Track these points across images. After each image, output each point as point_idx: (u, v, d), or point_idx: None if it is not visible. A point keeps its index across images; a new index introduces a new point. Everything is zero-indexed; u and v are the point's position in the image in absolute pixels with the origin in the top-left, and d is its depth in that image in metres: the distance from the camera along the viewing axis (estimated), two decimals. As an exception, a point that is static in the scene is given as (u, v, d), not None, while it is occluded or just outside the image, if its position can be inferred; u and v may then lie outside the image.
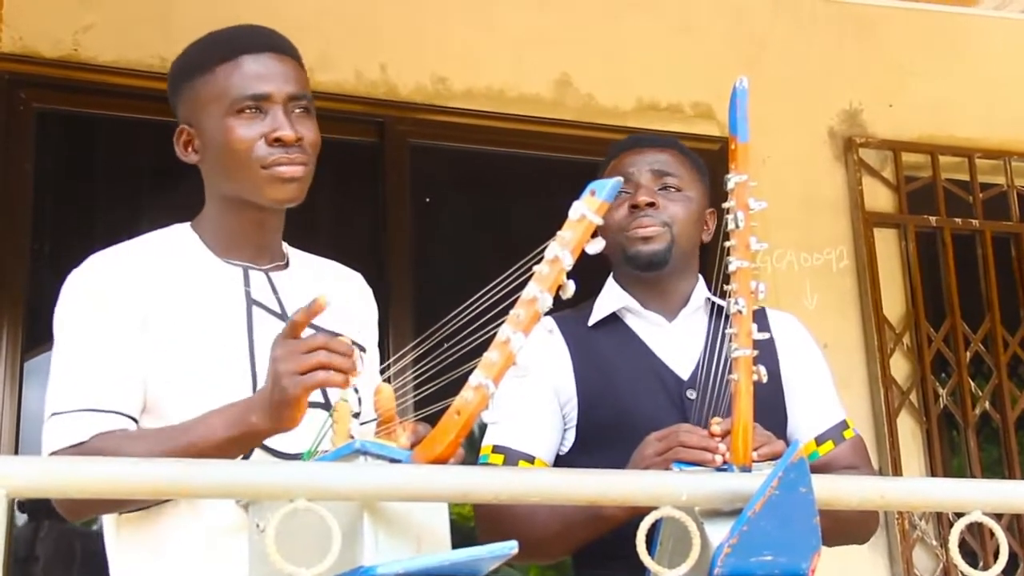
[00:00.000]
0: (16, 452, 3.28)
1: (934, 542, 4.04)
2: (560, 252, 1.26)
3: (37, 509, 3.42)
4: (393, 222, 3.86)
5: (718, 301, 2.14)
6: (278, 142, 1.81)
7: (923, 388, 4.20)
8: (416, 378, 1.51)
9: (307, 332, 1.86)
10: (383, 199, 3.88)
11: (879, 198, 4.38)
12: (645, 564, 1.22)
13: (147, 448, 1.66)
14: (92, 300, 1.79)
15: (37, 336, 3.35)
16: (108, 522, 1.83)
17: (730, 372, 1.60)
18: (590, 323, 2.20)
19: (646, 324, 2.20)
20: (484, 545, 1.28)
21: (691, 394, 2.10)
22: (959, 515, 1.33)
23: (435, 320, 1.49)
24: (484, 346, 1.29)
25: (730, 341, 1.58)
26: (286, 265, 1.95)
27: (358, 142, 3.86)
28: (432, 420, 1.39)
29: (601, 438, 2.09)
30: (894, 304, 4.27)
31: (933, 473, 4.10)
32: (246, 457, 1.67)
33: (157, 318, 1.78)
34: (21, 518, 3.48)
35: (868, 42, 4.52)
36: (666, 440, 1.89)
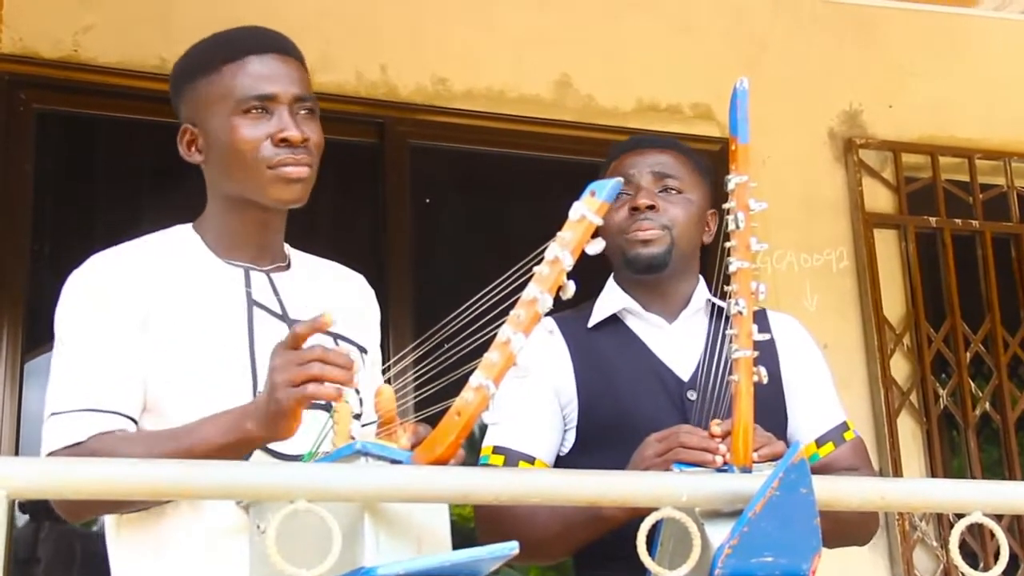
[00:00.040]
0: (16, 453, 3.29)
1: (934, 543, 4.04)
2: (560, 253, 1.26)
3: (38, 510, 3.42)
4: (393, 223, 3.86)
5: (718, 302, 2.14)
6: (284, 142, 1.82)
7: (923, 389, 4.20)
8: (416, 379, 1.51)
9: (314, 336, 1.87)
10: (383, 200, 3.88)
11: (879, 199, 4.38)
12: (646, 565, 1.22)
13: (143, 450, 1.66)
14: (92, 300, 1.79)
15: (37, 337, 3.35)
16: (109, 523, 1.84)
17: (730, 373, 1.60)
18: (590, 324, 2.20)
19: (646, 325, 2.19)
20: (485, 546, 1.28)
21: (691, 395, 2.10)
22: (959, 516, 1.33)
23: (435, 321, 1.49)
24: (484, 347, 1.29)
25: (730, 342, 1.58)
26: (287, 266, 1.95)
27: (358, 143, 3.86)
28: (433, 421, 1.39)
29: (601, 439, 2.09)
30: (894, 305, 4.27)
31: (933, 474, 4.10)
32: (246, 458, 1.67)
33: (158, 318, 1.79)
34: (22, 519, 3.48)
35: (868, 43, 4.52)
36: (666, 441, 1.89)
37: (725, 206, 1.59)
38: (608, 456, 1.91)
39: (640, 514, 1.24)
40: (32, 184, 3.50)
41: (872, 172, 4.39)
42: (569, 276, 1.27)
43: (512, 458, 2.09)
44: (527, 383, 2.09)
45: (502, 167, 4.13)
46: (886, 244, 4.33)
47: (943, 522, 4.03)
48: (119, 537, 1.81)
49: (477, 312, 1.35)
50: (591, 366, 2.15)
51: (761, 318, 2.07)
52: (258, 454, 1.71)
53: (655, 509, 1.23)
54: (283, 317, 1.86)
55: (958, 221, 4.41)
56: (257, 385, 1.77)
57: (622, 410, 2.10)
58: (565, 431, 2.15)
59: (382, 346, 2.07)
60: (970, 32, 4.63)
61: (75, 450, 1.70)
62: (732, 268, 1.57)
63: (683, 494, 1.25)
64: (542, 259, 1.27)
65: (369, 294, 2.06)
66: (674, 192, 2.20)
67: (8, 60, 3.50)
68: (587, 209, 1.27)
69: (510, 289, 1.29)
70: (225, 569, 1.67)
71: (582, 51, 4.15)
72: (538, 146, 4.09)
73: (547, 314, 1.27)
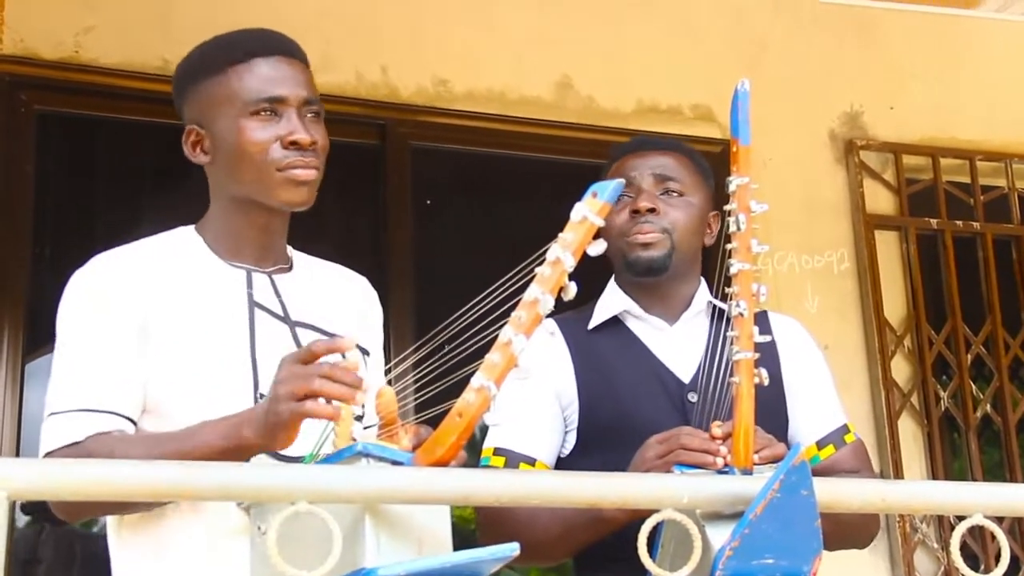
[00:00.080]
0: (17, 454, 3.29)
1: (935, 545, 4.04)
2: (562, 254, 1.26)
3: (39, 511, 3.41)
4: (394, 224, 3.86)
5: (720, 304, 2.14)
6: (294, 145, 1.82)
7: (924, 390, 4.20)
8: (418, 381, 1.51)
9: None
10: (384, 201, 3.88)
11: (880, 200, 4.38)
12: (646, 567, 1.22)
13: (142, 452, 1.66)
14: (94, 301, 1.80)
15: (38, 338, 3.35)
16: (111, 524, 1.84)
17: (731, 375, 1.59)
18: (591, 326, 2.20)
19: (647, 327, 2.19)
20: (485, 547, 1.28)
21: (692, 397, 2.10)
22: (960, 518, 1.33)
23: (436, 322, 1.49)
24: (486, 348, 1.29)
25: (731, 344, 1.57)
26: (290, 268, 1.95)
27: (359, 144, 3.87)
28: (434, 422, 1.38)
29: (602, 441, 2.09)
30: (895, 306, 4.27)
31: (934, 476, 4.10)
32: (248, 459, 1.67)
33: (159, 320, 1.79)
34: (23, 520, 3.48)
35: (869, 44, 4.52)
36: (667, 443, 1.89)
37: (726, 208, 1.58)
38: (609, 458, 1.91)
39: (641, 516, 1.24)
40: (33, 185, 3.50)
41: (873, 174, 4.39)
42: (571, 277, 1.27)
43: (513, 460, 2.09)
44: (528, 385, 2.09)
45: (503, 168, 4.13)
46: (887, 246, 4.33)
47: (944, 524, 4.03)
48: (120, 538, 1.81)
49: (478, 313, 1.35)
50: (592, 368, 2.15)
51: (762, 320, 2.07)
52: (259, 455, 1.71)
53: (656, 511, 1.23)
54: (285, 319, 1.86)
55: (959, 223, 4.41)
56: (258, 386, 1.77)
57: (623, 412, 2.09)
58: (566, 433, 2.15)
59: (383, 347, 2.06)
60: (971, 34, 4.63)
61: (73, 450, 1.70)
62: (733, 270, 1.57)
63: (684, 496, 1.25)
64: (544, 260, 1.27)
65: (372, 296, 2.06)
66: (675, 195, 2.19)
67: (9, 61, 3.50)
68: (589, 210, 1.27)
69: (511, 290, 1.29)
70: (226, 570, 1.67)
71: (583, 52, 4.16)
72: (539, 147, 4.09)
73: (548, 315, 1.27)
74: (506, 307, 1.29)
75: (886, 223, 4.35)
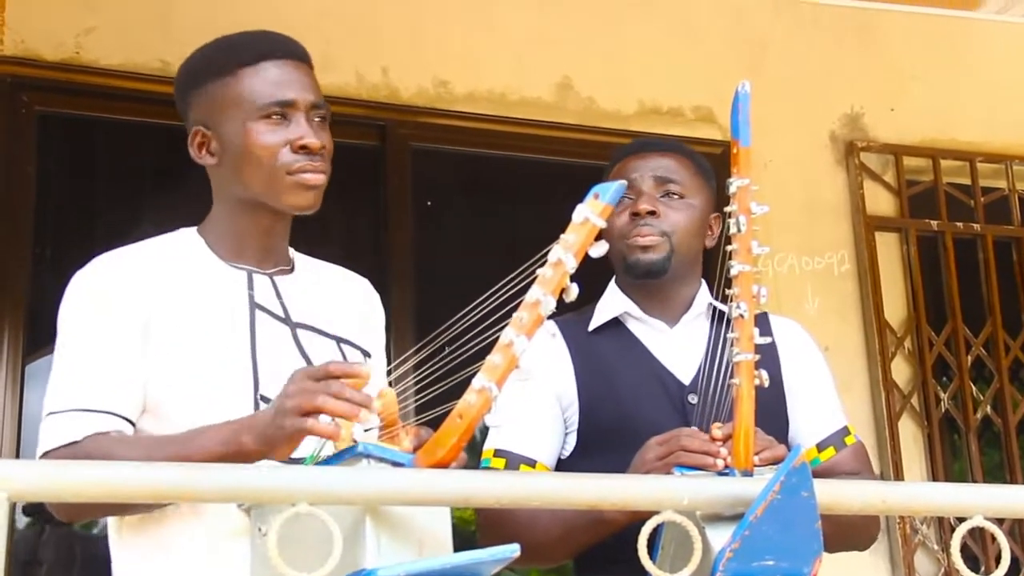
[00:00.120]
0: (17, 455, 3.28)
1: (936, 547, 4.04)
2: (563, 255, 1.26)
3: (40, 512, 3.41)
4: (394, 225, 3.86)
5: (720, 306, 2.14)
6: (304, 149, 1.83)
7: (924, 392, 4.20)
8: (418, 382, 1.51)
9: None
10: (384, 202, 3.88)
11: (880, 202, 4.38)
12: (647, 568, 1.22)
13: (140, 454, 1.66)
14: (95, 302, 1.80)
15: (38, 339, 3.35)
16: (112, 525, 1.84)
17: (731, 377, 1.59)
18: (591, 328, 2.20)
19: (648, 329, 2.19)
20: (486, 548, 1.28)
21: (692, 399, 2.10)
22: (961, 520, 1.33)
23: (436, 323, 1.49)
24: (487, 350, 1.29)
25: (731, 346, 1.57)
26: (291, 270, 1.95)
27: (360, 145, 3.86)
28: (435, 424, 1.38)
29: (602, 442, 2.09)
30: (895, 308, 4.27)
31: (934, 477, 4.09)
32: (249, 460, 1.67)
33: (160, 321, 1.79)
34: (23, 521, 3.48)
35: (869, 46, 4.52)
36: (667, 444, 1.89)
37: (726, 209, 1.59)
38: (609, 459, 1.90)
39: (641, 517, 1.24)
40: (34, 186, 3.50)
41: (873, 175, 4.39)
42: (572, 278, 1.27)
43: (513, 461, 2.09)
44: (529, 386, 2.09)
45: (503, 170, 4.13)
46: (887, 247, 4.33)
47: (944, 526, 4.03)
48: (121, 539, 1.82)
49: (479, 315, 1.35)
50: (592, 370, 2.15)
51: (763, 322, 2.07)
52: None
53: (656, 512, 1.23)
54: (286, 320, 1.86)
55: (959, 224, 4.41)
56: (259, 387, 1.77)
57: (623, 414, 2.09)
58: (566, 434, 2.15)
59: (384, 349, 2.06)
60: (972, 35, 4.63)
61: (70, 450, 1.70)
62: (733, 271, 1.57)
63: (684, 497, 1.25)
64: (545, 261, 1.27)
65: (374, 298, 2.06)
66: (676, 197, 2.19)
67: (10, 62, 3.50)
68: (590, 211, 1.27)
69: (513, 292, 1.29)
70: (227, 572, 1.67)
71: (583, 54, 4.16)
72: (539, 149, 4.09)
73: (548, 317, 1.27)
74: (507, 308, 1.29)
75: (886, 225, 4.35)
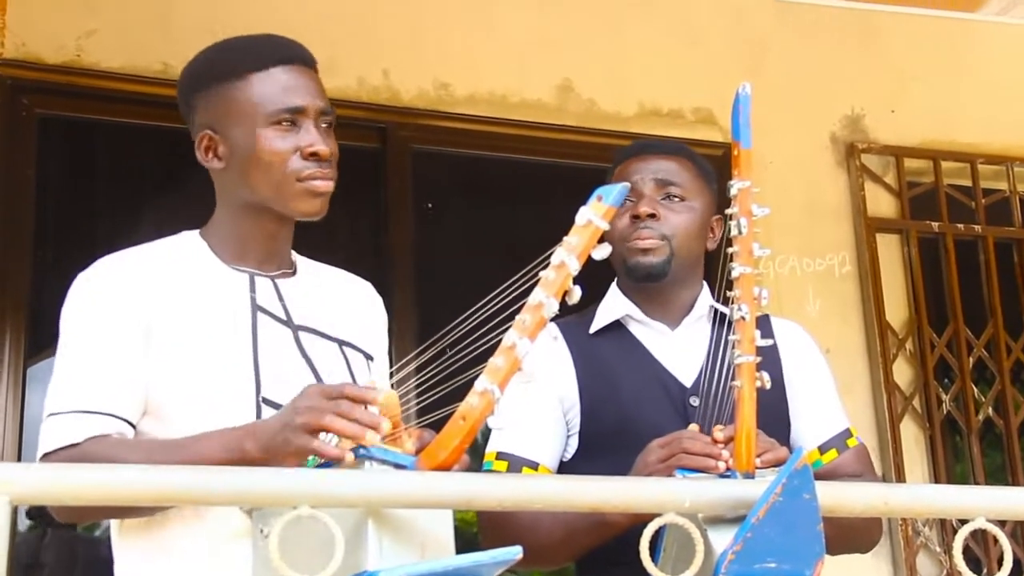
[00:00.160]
0: (19, 458, 3.28)
1: (938, 548, 4.03)
2: (567, 257, 1.26)
3: (43, 515, 3.41)
4: (395, 227, 3.86)
5: (721, 308, 2.14)
6: (314, 156, 1.83)
7: (926, 394, 4.20)
8: (421, 384, 1.51)
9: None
10: (385, 204, 3.88)
11: (881, 203, 4.38)
12: (649, 571, 1.22)
13: (141, 457, 1.66)
14: (97, 304, 1.80)
15: (40, 342, 3.35)
16: (114, 528, 1.84)
17: (733, 379, 1.60)
18: (592, 330, 2.19)
19: (649, 331, 2.19)
20: (488, 550, 1.28)
21: (694, 401, 2.09)
22: (963, 522, 1.33)
23: (438, 326, 1.49)
24: (489, 352, 1.29)
25: (733, 348, 1.58)
26: (293, 272, 1.95)
27: (360, 147, 3.86)
28: (437, 426, 1.38)
29: (604, 445, 2.09)
30: (897, 310, 4.27)
31: (936, 479, 4.09)
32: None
33: (162, 324, 1.79)
34: (25, 524, 3.48)
35: (870, 47, 4.52)
36: (669, 447, 1.89)
37: (728, 211, 1.59)
38: (611, 462, 1.90)
39: (643, 520, 1.24)
40: (34, 189, 3.50)
41: (874, 177, 4.39)
42: (573, 280, 1.27)
43: (515, 464, 2.09)
44: (531, 389, 2.09)
45: (504, 172, 4.13)
46: (888, 249, 4.33)
47: (946, 528, 4.03)
48: (123, 542, 1.81)
49: (482, 317, 1.35)
50: (594, 372, 2.15)
51: (764, 324, 2.07)
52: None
53: (658, 515, 1.23)
54: (287, 322, 1.86)
55: (960, 226, 4.41)
56: (260, 389, 1.77)
57: (625, 416, 2.09)
58: (568, 437, 2.15)
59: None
60: (973, 36, 4.63)
61: (71, 452, 1.70)
62: (735, 273, 1.57)
63: (686, 500, 1.25)
64: (548, 264, 1.27)
65: (376, 301, 2.06)
66: (677, 200, 2.19)
67: (11, 65, 3.50)
68: (594, 214, 1.27)
69: (515, 294, 1.29)
70: (228, 574, 1.67)
71: (584, 56, 4.16)
72: (540, 151, 4.09)
73: (551, 319, 1.27)
74: (510, 311, 1.29)
75: (887, 226, 4.35)
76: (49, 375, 1.81)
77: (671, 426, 1.98)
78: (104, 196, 3.82)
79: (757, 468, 1.70)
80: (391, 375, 1.99)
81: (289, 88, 1.84)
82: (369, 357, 1.95)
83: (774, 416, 2.06)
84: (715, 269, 1.81)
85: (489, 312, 1.34)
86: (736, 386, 1.61)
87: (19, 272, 3.42)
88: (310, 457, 1.50)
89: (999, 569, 1.30)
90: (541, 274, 1.27)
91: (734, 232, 1.58)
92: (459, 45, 4.03)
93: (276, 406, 1.74)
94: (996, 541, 1.88)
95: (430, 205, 4.00)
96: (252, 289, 1.87)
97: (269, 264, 1.91)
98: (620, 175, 2.22)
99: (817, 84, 4.39)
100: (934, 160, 4.44)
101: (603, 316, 2.20)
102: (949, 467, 4.19)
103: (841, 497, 1.33)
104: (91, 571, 3.45)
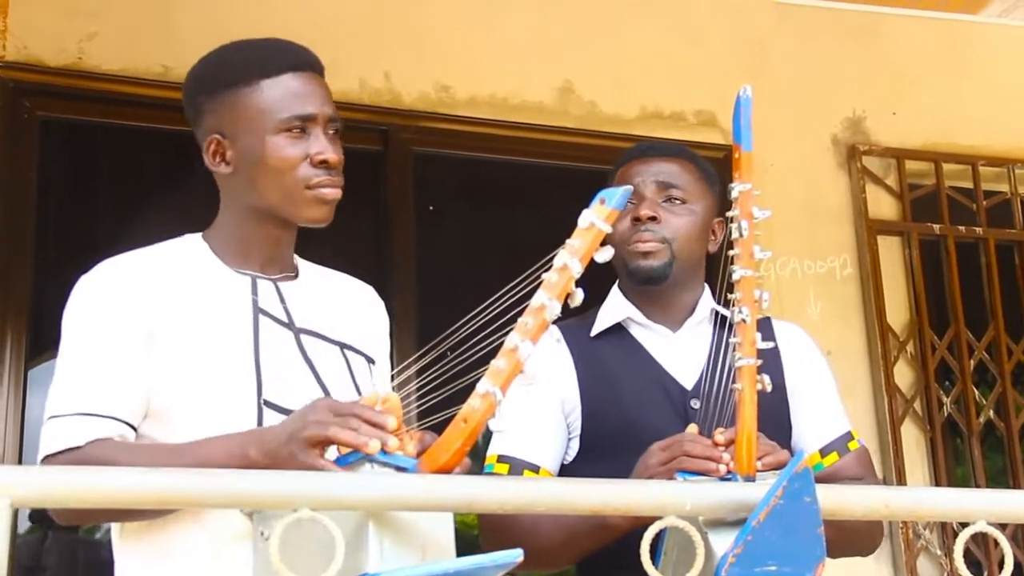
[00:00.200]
0: (20, 461, 3.28)
1: (938, 551, 4.03)
2: (569, 260, 1.26)
3: (44, 518, 3.41)
4: (396, 230, 3.86)
5: (723, 311, 2.14)
6: (323, 164, 1.83)
7: (927, 396, 4.20)
8: (422, 387, 1.51)
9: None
10: (386, 207, 3.89)
11: (883, 206, 4.38)
12: (649, 573, 1.22)
13: (142, 460, 1.66)
14: (99, 306, 1.80)
15: (41, 344, 3.35)
16: (115, 531, 1.84)
17: (734, 382, 1.59)
18: (594, 333, 2.19)
19: (650, 334, 2.19)
20: (489, 553, 1.28)
21: (695, 404, 2.09)
22: (964, 525, 1.32)
23: (439, 328, 1.49)
24: (491, 354, 1.29)
25: (734, 350, 1.58)
26: (295, 276, 1.95)
27: (362, 150, 3.86)
28: (438, 428, 1.38)
29: (605, 448, 2.09)
30: (898, 312, 4.27)
31: (937, 482, 4.09)
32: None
33: (164, 326, 1.79)
34: (26, 527, 3.48)
35: (871, 50, 4.52)
36: (670, 450, 1.89)
37: (729, 214, 1.59)
38: (612, 465, 1.90)
39: (644, 523, 1.23)
40: (36, 192, 3.50)
41: (876, 179, 4.39)
42: (575, 283, 1.27)
43: (517, 467, 2.09)
44: (532, 392, 2.09)
45: (505, 174, 4.13)
46: (890, 251, 4.33)
47: (947, 531, 4.02)
48: (124, 544, 1.81)
49: (483, 319, 1.35)
50: (595, 375, 2.15)
51: (765, 326, 2.07)
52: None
53: (659, 518, 1.23)
54: (289, 325, 1.86)
55: (962, 228, 4.41)
56: (262, 392, 1.77)
57: (626, 419, 2.09)
58: (569, 440, 2.15)
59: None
60: (974, 39, 4.64)
61: (72, 455, 1.70)
62: (735, 276, 1.57)
63: (687, 503, 1.25)
64: (550, 266, 1.27)
65: (378, 304, 2.06)
66: (678, 202, 2.19)
67: (12, 68, 3.50)
68: (596, 217, 1.27)
69: (517, 296, 1.29)
70: (229, 576, 1.67)
71: (585, 58, 4.16)
72: (541, 153, 4.09)
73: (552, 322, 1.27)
74: (512, 313, 1.29)
75: (889, 228, 4.35)
76: (50, 378, 1.81)
77: (672, 429, 1.98)
78: (105, 198, 3.82)
79: (758, 471, 1.70)
80: (392, 378, 1.99)
81: (300, 95, 1.84)
82: (371, 360, 1.95)
83: (775, 419, 2.06)
84: (716, 272, 1.81)
85: (491, 315, 1.34)
86: (737, 389, 1.61)
87: (20, 274, 3.42)
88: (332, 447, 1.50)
89: (1000, 572, 1.30)
90: (543, 276, 1.27)
91: (735, 235, 1.58)
92: (460, 47, 4.03)
93: (277, 408, 1.74)
94: (997, 544, 1.88)
95: (431, 207, 4.00)
96: (254, 292, 1.87)
97: (271, 267, 1.91)
98: (622, 177, 2.22)
99: (818, 86, 4.39)
100: (935, 162, 4.44)
101: (604, 319, 2.20)
102: (950, 470, 4.19)
103: (842, 500, 1.33)
104: (92, 574, 3.45)
